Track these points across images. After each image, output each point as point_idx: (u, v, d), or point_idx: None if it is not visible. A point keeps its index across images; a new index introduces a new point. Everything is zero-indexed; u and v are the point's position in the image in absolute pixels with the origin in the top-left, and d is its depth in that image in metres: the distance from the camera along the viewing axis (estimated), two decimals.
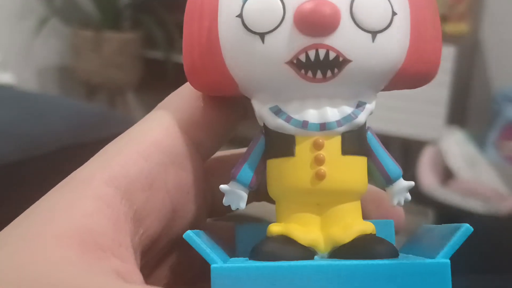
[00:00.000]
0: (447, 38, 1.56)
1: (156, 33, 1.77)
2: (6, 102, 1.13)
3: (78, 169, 0.19)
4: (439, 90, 1.56)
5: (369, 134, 0.20)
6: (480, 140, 1.73)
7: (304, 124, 0.19)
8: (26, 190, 0.99)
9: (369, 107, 0.19)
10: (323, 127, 0.19)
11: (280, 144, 0.19)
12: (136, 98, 2.11)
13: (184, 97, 0.21)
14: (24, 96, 1.25)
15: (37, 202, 0.18)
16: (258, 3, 0.18)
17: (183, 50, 0.20)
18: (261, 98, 0.19)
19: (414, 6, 0.19)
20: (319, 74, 0.18)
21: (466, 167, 1.50)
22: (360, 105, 0.19)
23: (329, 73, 0.18)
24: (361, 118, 0.19)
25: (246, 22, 0.18)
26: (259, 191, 0.20)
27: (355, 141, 0.19)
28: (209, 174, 0.22)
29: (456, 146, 1.52)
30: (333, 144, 0.19)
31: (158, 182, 0.19)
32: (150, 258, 0.20)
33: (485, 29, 1.79)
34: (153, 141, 0.20)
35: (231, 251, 0.21)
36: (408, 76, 0.19)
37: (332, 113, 0.19)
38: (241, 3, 0.18)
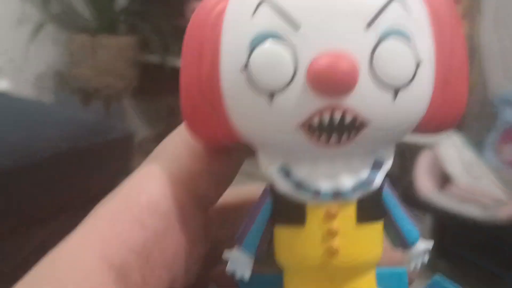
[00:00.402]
0: None
1: (152, 37, 1.77)
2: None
3: (65, 241, 0.17)
4: None
5: (385, 192, 0.18)
6: (478, 144, 1.72)
7: (316, 193, 0.17)
8: (20, 199, 0.98)
9: (387, 165, 0.17)
10: (337, 195, 0.17)
11: (290, 211, 0.17)
12: (133, 103, 2.11)
13: (182, 143, 0.19)
14: (18, 103, 1.25)
15: (19, 283, 0.16)
16: (265, 56, 0.15)
17: (181, 96, 0.17)
18: (268, 155, 0.17)
19: (440, 47, 0.17)
20: (333, 138, 0.16)
21: (464, 172, 1.50)
22: (376, 164, 0.17)
23: (344, 137, 0.16)
24: (378, 180, 0.17)
25: (252, 78, 0.16)
26: (267, 259, 0.19)
27: (371, 206, 0.17)
28: (210, 223, 0.20)
29: (454, 151, 1.51)
30: (347, 213, 0.17)
31: (156, 254, 0.17)
32: None
33: (483, 32, 1.79)
34: (149, 203, 0.18)
35: None
36: (431, 126, 0.18)
37: (347, 179, 0.17)
38: (246, 55, 0.16)
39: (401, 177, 1.43)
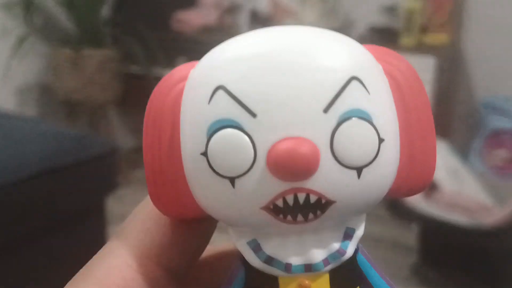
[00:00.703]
0: (428, 49, 1.55)
1: (136, 48, 1.76)
2: None
3: None
4: None
5: (359, 257, 0.18)
6: (463, 151, 1.73)
7: (288, 267, 0.17)
8: (2, 217, 0.97)
9: (358, 233, 0.17)
10: (308, 268, 0.17)
11: (262, 284, 0.17)
12: (118, 115, 2.10)
13: (149, 217, 0.18)
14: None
15: None
16: (224, 142, 0.15)
17: (146, 174, 0.17)
18: (237, 231, 0.17)
19: (404, 120, 0.17)
20: (299, 218, 0.16)
21: (450, 179, 1.50)
22: (348, 233, 0.17)
23: (311, 216, 0.16)
24: (350, 250, 0.17)
25: (212, 163, 0.15)
26: None
27: (345, 275, 0.17)
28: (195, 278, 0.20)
29: (439, 158, 1.51)
30: (321, 285, 0.17)
31: None
32: None
33: (466, 39, 1.80)
34: (120, 283, 0.17)
35: None
36: (398, 194, 0.17)
37: (318, 252, 0.17)
38: (204, 141, 0.16)
39: None
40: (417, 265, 1.25)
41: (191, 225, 0.18)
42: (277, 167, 0.15)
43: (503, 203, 1.34)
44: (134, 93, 1.96)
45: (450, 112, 1.86)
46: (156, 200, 0.17)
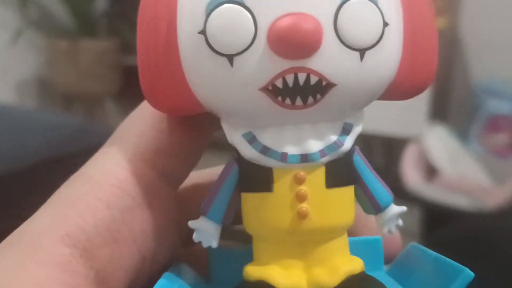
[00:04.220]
0: None
1: (132, 39, 1.76)
2: None
3: (26, 223, 0.17)
4: None
5: (356, 157, 0.17)
6: (462, 135, 1.74)
7: (283, 157, 0.16)
8: (5, 206, 0.97)
9: (357, 129, 0.17)
10: (305, 159, 0.16)
11: (256, 177, 0.17)
12: (116, 106, 2.10)
13: (146, 120, 0.18)
14: None
15: None
16: (223, 18, 0.15)
17: (138, 67, 0.17)
18: (232, 123, 0.17)
19: (408, 10, 0.16)
20: (298, 101, 0.15)
21: (450, 163, 1.51)
22: (346, 128, 0.17)
23: (310, 100, 0.15)
24: (348, 144, 0.17)
25: (210, 40, 0.15)
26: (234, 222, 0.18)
27: (341, 170, 0.17)
28: (183, 202, 0.20)
29: (439, 142, 1.52)
30: (316, 177, 0.16)
31: (123, 232, 0.17)
32: None
33: (464, 23, 1.80)
34: (114, 182, 0.17)
35: (206, 280, 0.19)
36: (400, 91, 0.17)
37: (315, 142, 0.16)
38: (203, 16, 0.15)
39: (388, 170, 1.43)
40: None
41: (187, 130, 0.18)
42: (278, 41, 0.14)
43: (503, 185, 1.35)
44: (131, 84, 1.96)
45: (448, 96, 1.87)
46: (150, 96, 0.17)
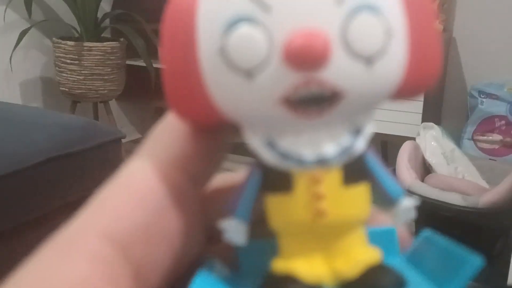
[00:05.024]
0: None
1: (136, 41, 1.78)
2: None
3: (68, 223, 0.18)
4: None
5: (369, 156, 0.18)
6: (456, 135, 1.75)
7: (302, 161, 0.17)
8: (13, 204, 1.00)
9: (368, 130, 0.18)
10: (321, 161, 0.17)
11: (277, 180, 0.18)
12: (120, 107, 2.12)
13: (173, 129, 0.20)
14: (6, 109, 1.25)
15: (25, 267, 0.17)
16: (240, 39, 0.16)
17: (164, 80, 0.18)
18: (252, 131, 0.18)
19: (410, 13, 0.17)
20: (312, 110, 0.16)
21: (444, 162, 1.52)
22: (358, 131, 0.18)
23: (323, 108, 0.16)
24: (361, 145, 0.18)
25: (228, 59, 0.16)
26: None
27: (355, 170, 0.18)
28: (209, 202, 0.21)
29: (434, 142, 1.53)
30: (333, 178, 0.18)
31: (158, 232, 0.18)
32: None
33: (458, 25, 1.82)
34: (148, 187, 0.18)
35: (235, 273, 0.20)
36: (407, 90, 0.18)
37: (330, 147, 0.17)
38: (221, 35, 0.16)
39: None
40: None
41: (210, 135, 0.20)
42: (292, 58, 0.16)
43: (496, 184, 1.36)
44: (135, 85, 1.98)
45: (441, 97, 1.89)
46: (174, 106, 0.18)
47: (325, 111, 0.17)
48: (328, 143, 0.17)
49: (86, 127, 1.21)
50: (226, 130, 0.20)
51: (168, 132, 0.20)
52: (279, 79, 0.16)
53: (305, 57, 0.15)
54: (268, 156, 0.18)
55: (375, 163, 0.19)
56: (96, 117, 1.91)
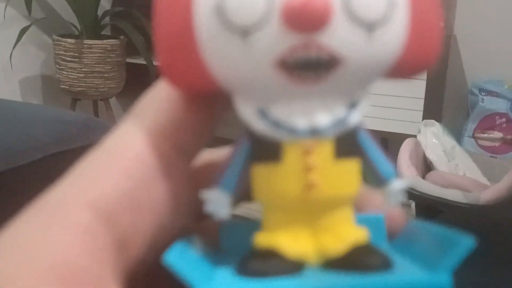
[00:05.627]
0: None
1: (136, 38, 1.79)
2: None
3: (50, 191, 0.17)
4: (416, 84, 1.59)
5: (361, 133, 0.18)
6: (457, 132, 1.75)
7: (293, 130, 0.17)
8: (10, 200, 0.99)
9: (363, 106, 0.17)
10: (314, 132, 0.17)
11: (266, 149, 0.17)
12: (120, 104, 2.12)
13: (162, 98, 0.19)
14: (5, 105, 1.25)
15: (4, 235, 0.16)
16: None
17: (157, 46, 0.18)
18: (244, 98, 0.17)
19: None
20: (309, 76, 0.16)
21: (445, 159, 1.52)
22: (353, 104, 0.17)
23: (320, 74, 0.16)
24: (355, 120, 0.17)
25: (224, 18, 0.16)
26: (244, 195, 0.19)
27: (348, 144, 0.18)
28: (196, 178, 0.20)
29: (434, 139, 1.53)
30: (324, 149, 0.17)
31: (143, 201, 0.18)
32: (137, 281, 0.19)
33: (458, 22, 1.82)
34: (135, 155, 0.18)
35: (217, 251, 0.20)
36: (405, 68, 0.17)
37: (324, 117, 0.17)
38: None
39: None
40: None
41: (200, 106, 0.19)
42: (291, 17, 0.15)
43: (497, 181, 1.36)
44: (135, 83, 1.98)
45: (442, 95, 1.89)
46: (167, 72, 0.18)
47: (321, 78, 0.16)
48: (322, 113, 0.17)
49: (84, 124, 1.20)
50: (217, 101, 0.20)
51: (158, 101, 0.19)
52: (276, 40, 0.16)
53: (305, 17, 0.15)
54: (259, 125, 0.17)
55: (369, 140, 0.18)
56: (96, 115, 1.91)
